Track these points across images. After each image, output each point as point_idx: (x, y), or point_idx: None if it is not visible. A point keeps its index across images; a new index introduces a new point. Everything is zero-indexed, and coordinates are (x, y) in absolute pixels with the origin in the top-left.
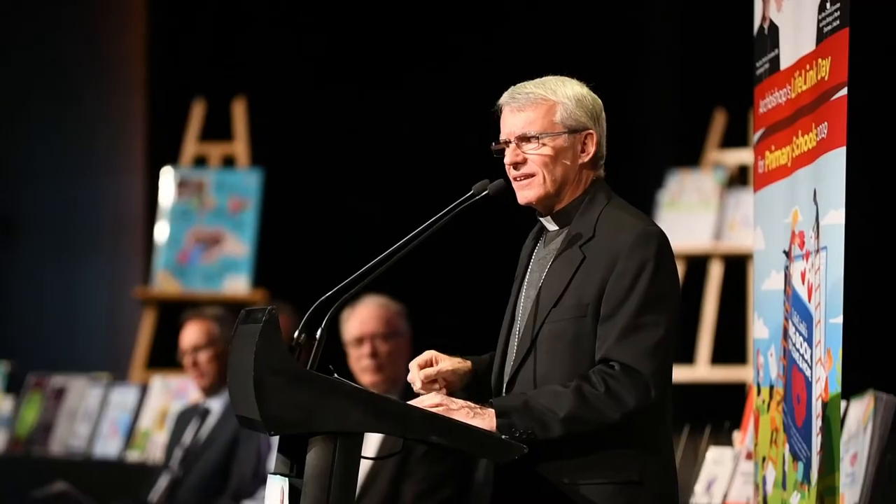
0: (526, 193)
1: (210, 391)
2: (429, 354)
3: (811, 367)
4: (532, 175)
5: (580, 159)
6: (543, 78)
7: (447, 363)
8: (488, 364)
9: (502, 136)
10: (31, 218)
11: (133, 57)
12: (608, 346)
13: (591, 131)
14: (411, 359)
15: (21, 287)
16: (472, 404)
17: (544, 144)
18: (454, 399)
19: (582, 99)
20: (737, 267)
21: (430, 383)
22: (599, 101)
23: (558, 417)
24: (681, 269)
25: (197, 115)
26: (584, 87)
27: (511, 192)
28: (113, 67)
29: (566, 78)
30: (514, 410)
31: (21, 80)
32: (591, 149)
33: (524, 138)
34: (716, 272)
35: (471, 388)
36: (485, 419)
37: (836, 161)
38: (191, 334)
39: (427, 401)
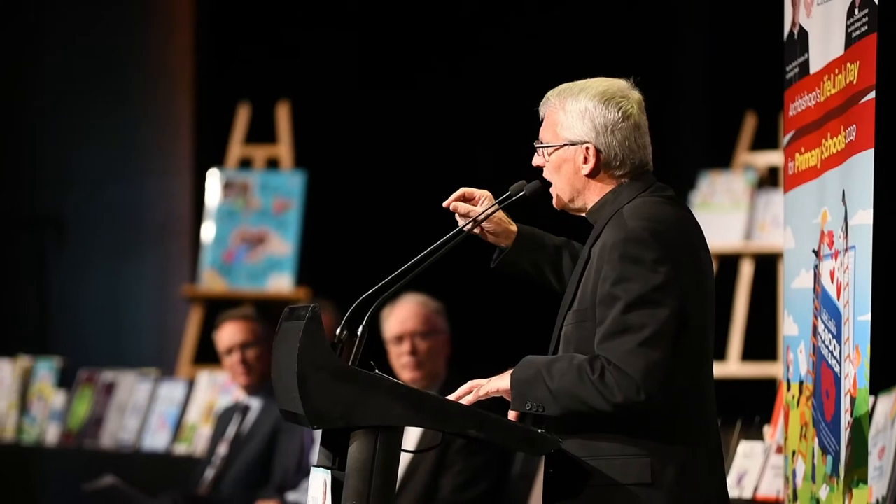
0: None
1: (252, 389)
2: (463, 190)
3: (840, 364)
4: (551, 182)
5: (582, 171)
6: (568, 84)
7: (481, 208)
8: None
9: None
10: (81, 218)
11: (180, 62)
12: (596, 346)
13: (589, 144)
14: (450, 356)
15: (72, 285)
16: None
17: (549, 154)
18: (479, 381)
19: (587, 112)
20: (767, 266)
21: (465, 214)
22: (618, 111)
23: (559, 391)
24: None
25: (242, 118)
26: (596, 100)
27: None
28: (161, 73)
29: (591, 83)
30: (526, 383)
31: (73, 85)
32: (591, 161)
33: (540, 145)
34: (746, 271)
35: (527, 250)
36: (503, 379)
37: (864, 163)
38: (236, 333)
39: (460, 391)
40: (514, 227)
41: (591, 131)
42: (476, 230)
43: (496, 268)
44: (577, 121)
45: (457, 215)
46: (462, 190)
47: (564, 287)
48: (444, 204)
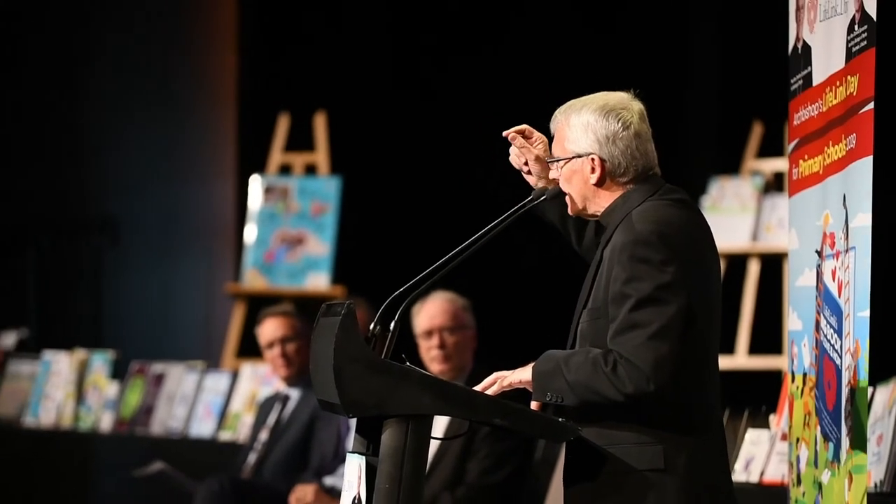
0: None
1: (291, 380)
2: (524, 126)
3: (841, 357)
4: (566, 190)
5: (590, 180)
6: (572, 101)
7: (539, 151)
8: None
9: None
10: (134, 220)
11: (226, 76)
12: (609, 341)
13: (594, 155)
14: (476, 349)
15: (125, 283)
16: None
17: (561, 167)
18: (503, 372)
19: (590, 125)
20: (773, 265)
21: (522, 149)
22: (618, 122)
23: (576, 383)
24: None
25: (282, 128)
26: (597, 113)
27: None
28: (208, 85)
29: (593, 98)
30: (546, 375)
31: (127, 99)
32: (598, 170)
33: (551, 159)
34: (753, 270)
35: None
36: (525, 371)
37: (863, 169)
38: (277, 329)
39: (485, 382)
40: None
41: (595, 143)
42: (524, 168)
43: (530, 209)
44: (581, 134)
45: (511, 148)
46: (523, 126)
47: (581, 246)
48: (504, 133)
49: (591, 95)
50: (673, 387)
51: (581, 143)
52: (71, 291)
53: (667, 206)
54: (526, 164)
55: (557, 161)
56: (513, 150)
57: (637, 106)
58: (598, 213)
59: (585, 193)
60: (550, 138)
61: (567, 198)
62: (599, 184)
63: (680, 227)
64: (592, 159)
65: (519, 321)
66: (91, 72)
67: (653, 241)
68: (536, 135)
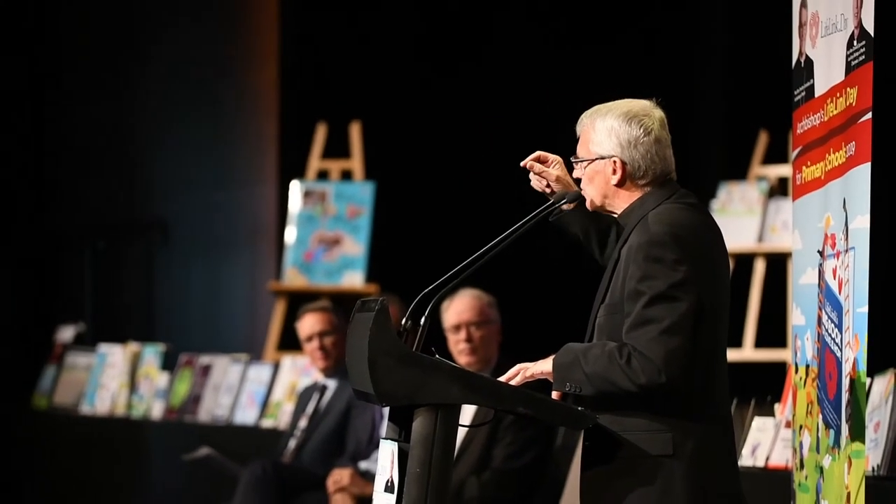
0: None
1: (328, 371)
2: (538, 153)
3: (841, 350)
4: (588, 189)
5: (611, 181)
6: (598, 106)
7: (557, 171)
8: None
9: None
10: (183, 222)
11: (268, 89)
12: (624, 335)
13: (616, 158)
14: (501, 343)
15: (174, 281)
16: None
17: (584, 167)
18: (526, 364)
19: (613, 130)
20: (777, 264)
21: (541, 175)
22: (640, 128)
23: (593, 374)
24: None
25: (320, 137)
26: (621, 119)
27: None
28: (251, 98)
29: (617, 104)
30: (565, 367)
31: (176, 108)
32: (619, 172)
33: (576, 160)
34: (759, 269)
35: (582, 216)
36: (546, 363)
37: (862, 174)
38: (316, 323)
39: (509, 373)
40: (576, 189)
41: (618, 146)
42: (546, 189)
43: (553, 223)
44: (605, 138)
45: (531, 174)
46: (537, 153)
47: (604, 258)
48: (522, 164)
49: (616, 102)
50: (683, 379)
51: (605, 145)
52: (124, 288)
53: (681, 210)
54: (548, 186)
55: (581, 161)
56: (532, 177)
57: (658, 113)
58: (616, 213)
59: (606, 193)
60: (575, 142)
61: (587, 195)
62: (620, 185)
63: (692, 230)
64: (614, 161)
65: (540, 316)
66: (144, 88)
67: (667, 241)
68: (552, 157)
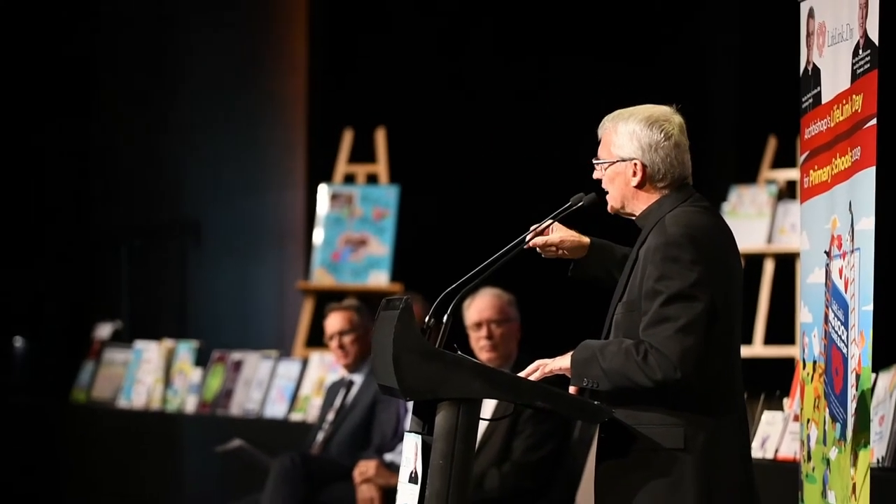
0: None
1: (352, 367)
2: (532, 231)
3: (847, 346)
4: (607, 191)
5: (631, 182)
6: (620, 110)
7: (557, 235)
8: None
9: None
10: (215, 224)
11: (296, 97)
12: (641, 333)
13: (637, 160)
14: (521, 340)
15: (207, 280)
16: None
17: (605, 169)
18: (545, 360)
19: (635, 133)
20: (786, 265)
21: (547, 247)
22: (661, 132)
23: (610, 370)
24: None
25: (346, 142)
26: (642, 123)
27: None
28: (281, 105)
29: (639, 109)
30: (583, 363)
31: (209, 114)
32: (639, 174)
33: (598, 161)
34: (769, 269)
35: (599, 259)
36: (565, 359)
37: (867, 178)
38: (336, 322)
39: (528, 369)
40: (586, 241)
41: (639, 149)
42: (558, 254)
43: (572, 276)
44: (627, 141)
45: (537, 250)
46: (531, 230)
47: None
48: (525, 246)
49: (638, 107)
50: (697, 375)
51: (626, 148)
52: (159, 287)
53: (696, 213)
54: (558, 250)
55: (603, 163)
56: (542, 252)
57: (678, 119)
58: (635, 214)
59: (626, 194)
60: (595, 146)
61: (608, 197)
62: (639, 186)
63: (707, 232)
64: (635, 164)
65: (559, 314)
66: (179, 94)
67: (683, 243)
68: (549, 227)
